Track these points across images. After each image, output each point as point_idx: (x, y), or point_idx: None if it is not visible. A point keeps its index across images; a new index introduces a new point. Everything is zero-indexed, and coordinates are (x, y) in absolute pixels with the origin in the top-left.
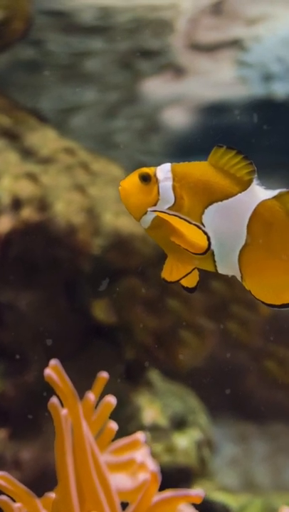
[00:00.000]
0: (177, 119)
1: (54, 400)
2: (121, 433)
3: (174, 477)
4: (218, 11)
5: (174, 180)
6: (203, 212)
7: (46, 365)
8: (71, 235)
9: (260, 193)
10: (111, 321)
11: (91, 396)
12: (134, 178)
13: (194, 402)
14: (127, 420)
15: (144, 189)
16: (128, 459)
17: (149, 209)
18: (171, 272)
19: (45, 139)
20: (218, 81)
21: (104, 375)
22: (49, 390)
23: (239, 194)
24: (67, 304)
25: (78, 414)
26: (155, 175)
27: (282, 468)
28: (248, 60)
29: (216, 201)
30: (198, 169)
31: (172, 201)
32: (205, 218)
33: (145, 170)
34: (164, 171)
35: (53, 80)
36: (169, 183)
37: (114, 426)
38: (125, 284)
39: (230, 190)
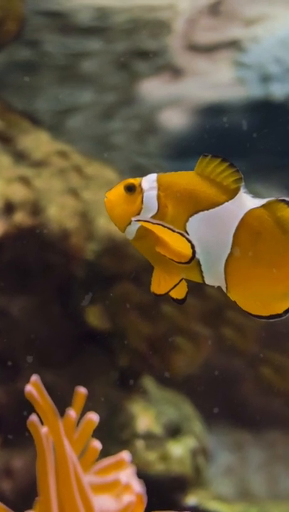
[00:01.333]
0: (175, 120)
1: (33, 417)
2: (115, 441)
3: (168, 486)
4: (216, 11)
5: (159, 189)
6: (187, 220)
7: (39, 372)
8: (64, 239)
9: (247, 201)
10: (105, 327)
11: (72, 413)
12: (119, 189)
13: (189, 410)
14: (120, 428)
15: (129, 199)
16: (113, 479)
17: (133, 218)
18: (160, 284)
19: (38, 142)
20: (216, 82)
21: (82, 390)
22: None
23: (226, 203)
24: (60, 310)
25: (59, 432)
26: (140, 185)
27: (279, 477)
28: (246, 61)
29: (202, 210)
30: (185, 179)
31: (155, 209)
32: (189, 226)
33: (130, 180)
34: (149, 181)
35: (49, 81)
36: (154, 193)
37: (97, 445)
38: (119, 289)
39: (217, 198)
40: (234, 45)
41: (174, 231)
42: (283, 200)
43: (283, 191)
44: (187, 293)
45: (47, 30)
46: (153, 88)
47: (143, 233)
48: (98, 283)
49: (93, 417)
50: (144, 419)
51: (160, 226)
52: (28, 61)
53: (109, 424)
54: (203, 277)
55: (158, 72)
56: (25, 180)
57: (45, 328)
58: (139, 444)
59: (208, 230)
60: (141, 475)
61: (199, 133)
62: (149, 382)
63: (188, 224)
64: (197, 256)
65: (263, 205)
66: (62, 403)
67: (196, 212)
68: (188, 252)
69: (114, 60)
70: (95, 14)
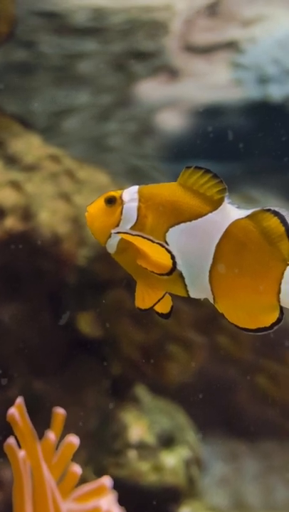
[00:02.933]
0: (171, 122)
1: (11, 440)
2: (107, 451)
3: (161, 497)
4: (213, 12)
5: (140, 201)
6: (167, 231)
7: (30, 380)
8: (56, 245)
9: (232, 212)
10: (97, 335)
11: (51, 436)
12: (99, 202)
13: (183, 419)
14: (113, 438)
15: (108, 211)
16: (93, 507)
17: (112, 231)
18: (144, 299)
19: (29, 146)
20: (213, 83)
21: (60, 411)
22: (32, 407)
23: (210, 214)
24: (52, 317)
25: (38, 456)
26: (121, 197)
27: (274, 488)
28: (244, 62)
29: (185, 221)
30: (167, 190)
31: (134, 220)
32: (169, 237)
33: (111, 193)
34: (130, 193)
35: (45, 82)
36: (134, 204)
37: (77, 470)
38: (111, 296)
39: (200, 210)
40: (232, 46)
41: (153, 242)
42: (269, 210)
43: (279, 196)
44: (172, 307)
45: (43, 30)
46: (150, 89)
47: (124, 246)
48: (90, 289)
49: (73, 440)
50: (137, 428)
51: (139, 237)
52: (23, 62)
53: (101, 433)
54: (187, 291)
55: (155, 73)
56: (16, 185)
57: (36, 336)
58: (132, 454)
59: (191, 241)
60: (133, 486)
61: (196, 135)
62: (141, 391)
63: (167, 234)
64: (179, 268)
65: (248, 216)
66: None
67: (178, 223)
68: (169, 262)
69: (110, 61)
70: (91, 15)
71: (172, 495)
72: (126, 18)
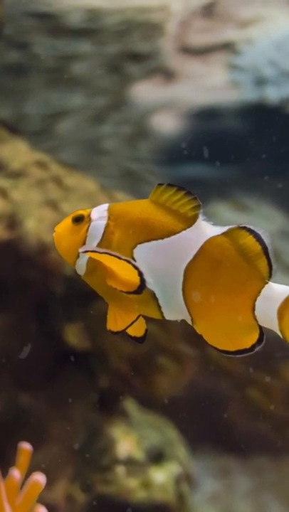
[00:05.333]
0: (167, 124)
1: None
2: (94, 467)
3: None
4: (209, 13)
5: (109, 219)
6: (134, 247)
7: (14, 394)
8: (43, 254)
9: (207, 229)
10: (84, 347)
11: (16, 474)
12: (67, 221)
13: (173, 434)
14: (100, 453)
15: (75, 230)
16: None
17: (79, 250)
18: (116, 321)
19: (15, 152)
20: (209, 85)
21: (27, 447)
22: (18, 421)
23: (183, 231)
24: (38, 328)
25: (0, 496)
26: (89, 215)
27: (266, 506)
28: (241, 63)
29: (156, 238)
30: (138, 207)
31: (100, 236)
32: (137, 253)
33: (79, 211)
34: (99, 211)
35: (38, 84)
36: (103, 222)
37: (43, 511)
38: (99, 307)
39: (173, 227)
40: (228, 47)
41: (120, 258)
42: (245, 228)
43: (273, 203)
44: (146, 330)
45: (36, 31)
46: (145, 91)
47: (93, 266)
48: (78, 300)
49: (39, 478)
50: (125, 443)
51: (106, 254)
52: (16, 63)
53: (89, 448)
54: (162, 312)
55: (150, 75)
56: (1, 192)
57: (21, 348)
58: (120, 470)
59: (162, 259)
60: (121, 503)
61: (192, 137)
62: (130, 405)
63: (135, 251)
64: (150, 287)
65: (223, 233)
66: (39, 427)
67: (148, 240)
68: (136, 279)
69: (105, 62)
70: (85, 16)
71: None
72: (121, 19)
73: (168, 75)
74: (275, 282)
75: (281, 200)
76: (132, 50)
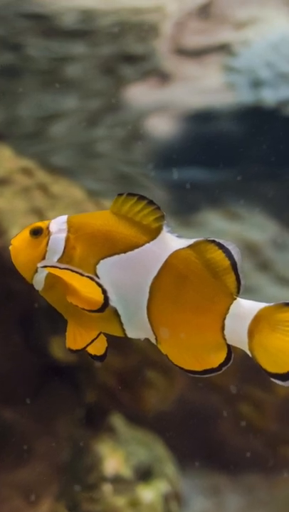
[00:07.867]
0: (162, 127)
1: None
2: (80, 485)
3: None
4: (205, 14)
5: (69, 231)
6: (97, 263)
7: None
8: None
9: (172, 241)
10: (70, 360)
11: None
12: (24, 234)
13: (161, 451)
14: (86, 471)
15: (34, 243)
16: None
17: (38, 264)
18: (75, 339)
19: (0, 158)
20: (204, 87)
21: None
22: (1, 437)
23: (147, 244)
24: (22, 341)
25: None
26: (48, 228)
27: None
28: (237, 65)
29: (119, 252)
30: (99, 219)
31: (61, 251)
32: (100, 269)
33: (37, 224)
34: (58, 223)
35: (31, 86)
36: (63, 235)
37: None
38: None
39: (136, 240)
40: (224, 49)
41: (82, 275)
42: (213, 241)
43: (266, 209)
44: (107, 348)
45: (29, 33)
46: (139, 94)
47: (52, 282)
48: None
49: None
50: (113, 460)
51: (67, 270)
52: (9, 65)
53: (74, 466)
54: (124, 330)
55: (145, 77)
56: None
57: (5, 361)
58: (107, 488)
59: (125, 274)
60: None
61: (187, 140)
62: (117, 420)
63: (98, 267)
64: (113, 304)
65: (189, 246)
66: (24, 444)
67: (111, 254)
68: (99, 297)
69: (99, 64)
70: (79, 17)
71: None
72: (115, 20)
73: (163, 77)
74: (249, 298)
75: (274, 208)
76: (127, 52)
